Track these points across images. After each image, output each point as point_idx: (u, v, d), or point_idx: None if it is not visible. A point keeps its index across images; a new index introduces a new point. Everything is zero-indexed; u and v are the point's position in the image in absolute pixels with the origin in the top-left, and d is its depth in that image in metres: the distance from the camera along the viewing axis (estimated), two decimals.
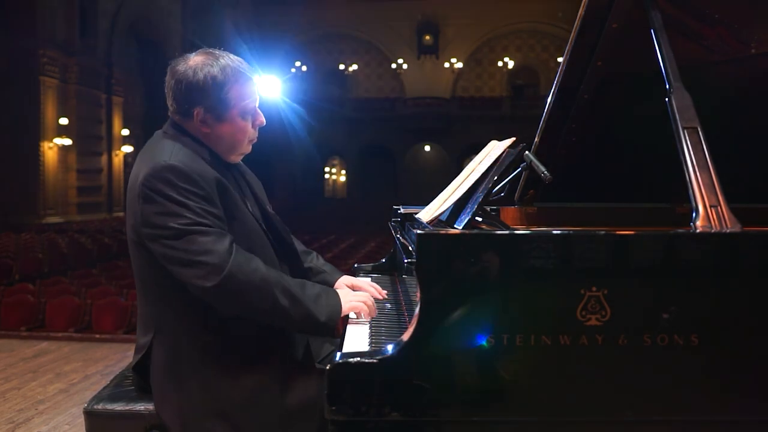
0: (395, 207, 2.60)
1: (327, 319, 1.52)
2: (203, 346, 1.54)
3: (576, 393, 1.31)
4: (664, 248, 1.32)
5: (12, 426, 3.48)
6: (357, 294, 1.72)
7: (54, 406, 3.81)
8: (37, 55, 15.59)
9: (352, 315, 1.67)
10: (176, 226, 1.44)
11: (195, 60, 1.57)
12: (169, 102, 1.61)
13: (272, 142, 22.78)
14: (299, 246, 1.91)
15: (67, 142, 16.48)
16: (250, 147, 1.69)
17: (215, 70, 1.55)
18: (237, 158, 1.70)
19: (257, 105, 1.65)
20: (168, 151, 1.52)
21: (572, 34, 1.80)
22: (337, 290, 1.66)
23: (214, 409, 1.51)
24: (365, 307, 1.66)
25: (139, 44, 21.13)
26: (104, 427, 1.61)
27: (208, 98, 1.55)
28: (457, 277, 1.31)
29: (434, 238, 1.33)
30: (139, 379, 1.70)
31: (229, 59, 1.59)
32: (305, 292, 1.53)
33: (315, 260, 1.97)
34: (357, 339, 1.56)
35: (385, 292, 1.88)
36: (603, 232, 1.32)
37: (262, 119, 1.67)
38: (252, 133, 1.66)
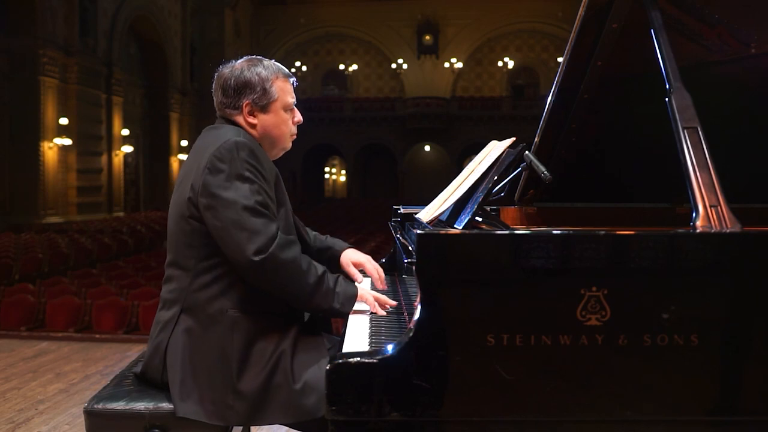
0: (395, 207, 2.60)
1: (341, 303, 1.66)
2: (230, 324, 1.59)
3: (576, 393, 1.31)
4: (664, 248, 1.32)
5: (12, 426, 3.48)
6: (369, 292, 1.78)
7: (54, 406, 3.81)
8: (37, 55, 15.53)
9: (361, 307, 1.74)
10: (235, 198, 1.54)
11: (241, 64, 1.74)
12: (218, 100, 1.76)
13: None
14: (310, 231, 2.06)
15: (67, 142, 16.44)
16: (290, 143, 1.81)
17: (259, 68, 1.72)
18: (279, 153, 1.81)
19: (294, 104, 1.78)
20: (234, 132, 1.66)
21: (572, 34, 1.80)
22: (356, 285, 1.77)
23: (232, 386, 1.55)
24: (373, 301, 1.76)
25: (139, 44, 21.11)
26: (104, 426, 1.61)
27: (255, 91, 1.71)
28: (457, 277, 1.31)
29: (434, 238, 1.33)
30: (138, 378, 1.72)
31: (270, 61, 1.77)
32: (327, 278, 1.65)
33: (321, 241, 2.09)
34: (357, 339, 1.56)
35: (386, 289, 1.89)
36: (603, 232, 1.32)
37: (300, 118, 1.81)
38: (292, 128, 1.79)
